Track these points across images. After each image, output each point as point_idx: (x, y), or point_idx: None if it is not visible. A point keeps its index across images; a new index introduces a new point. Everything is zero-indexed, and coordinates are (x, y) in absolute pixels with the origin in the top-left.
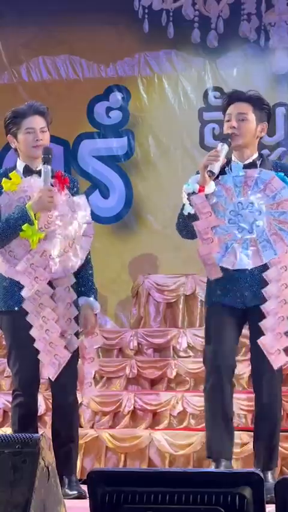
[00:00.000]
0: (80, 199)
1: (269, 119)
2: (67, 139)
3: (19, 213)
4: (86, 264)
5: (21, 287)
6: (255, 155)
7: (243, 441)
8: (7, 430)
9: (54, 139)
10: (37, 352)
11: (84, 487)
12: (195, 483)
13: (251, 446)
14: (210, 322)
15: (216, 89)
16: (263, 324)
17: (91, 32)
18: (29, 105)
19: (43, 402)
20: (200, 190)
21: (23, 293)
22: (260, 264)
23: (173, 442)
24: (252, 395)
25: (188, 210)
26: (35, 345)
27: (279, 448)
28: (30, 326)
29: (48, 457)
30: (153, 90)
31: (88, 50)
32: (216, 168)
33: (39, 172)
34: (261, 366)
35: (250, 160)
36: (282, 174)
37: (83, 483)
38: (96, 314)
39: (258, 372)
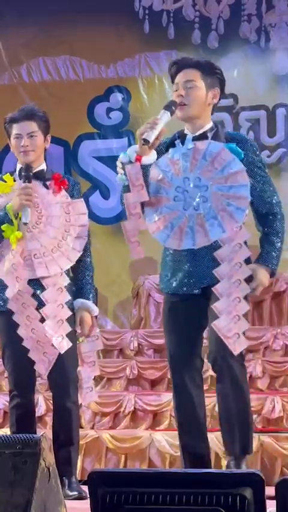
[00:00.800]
0: (77, 202)
1: (223, 85)
2: (67, 140)
3: (0, 214)
4: (86, 265)
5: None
6: (208, 125)
7: None
8: (7, 431)
9: (54, 139)
10: (29, 350)
11: (85, 488)
12: (195, 484)
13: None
14: (167, 315)
15: None
16: (216, 307)
17: (91, 33)
18: (20, 110)
19: (43, 403)
20: (137, 160)
21: (7, 293)
22: (206, 244)
23: (174, 442)
24: (255, 396)
25: (124, 180)
26: (24, 343)
27: (279, 448)
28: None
29: (49, 457)
30: (154, 90)
31: (88, 50)
32: (151, 136)
33: (34, 175)
34: (220, 351)
35: (201, 131)
36: (234, 145)
37: (84, 484)
38: (96, 316)
39: (217, 358)
